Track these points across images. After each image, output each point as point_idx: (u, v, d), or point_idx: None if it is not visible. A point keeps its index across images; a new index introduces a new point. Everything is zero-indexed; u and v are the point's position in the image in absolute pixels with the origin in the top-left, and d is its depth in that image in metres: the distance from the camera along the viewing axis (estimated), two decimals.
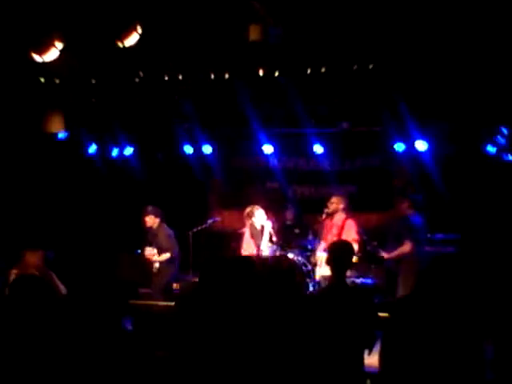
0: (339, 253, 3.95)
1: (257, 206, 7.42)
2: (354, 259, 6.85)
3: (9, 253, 5.75)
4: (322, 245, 6.99)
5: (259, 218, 7.35)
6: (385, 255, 6.78)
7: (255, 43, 5.53)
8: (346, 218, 6.87)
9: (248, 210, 7.41)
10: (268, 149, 8.42)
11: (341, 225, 6.82)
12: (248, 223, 7.43)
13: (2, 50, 5.62)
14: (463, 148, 7.67)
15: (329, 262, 3.99)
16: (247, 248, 7.37)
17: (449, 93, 6.79)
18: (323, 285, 6.70)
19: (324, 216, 7.02)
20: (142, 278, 8.15)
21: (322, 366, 3.64)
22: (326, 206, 7.00)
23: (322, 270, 6.78)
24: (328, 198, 7.16)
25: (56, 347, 3.03)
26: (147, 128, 8.37)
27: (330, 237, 6.73)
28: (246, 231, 7.50)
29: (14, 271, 5.29)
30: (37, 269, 5.44)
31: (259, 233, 7.39)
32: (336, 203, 6.96)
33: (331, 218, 6.97)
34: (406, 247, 6.50)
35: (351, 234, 6.69)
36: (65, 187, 8.36)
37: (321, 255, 6.87)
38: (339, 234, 6.69)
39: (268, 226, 7.41)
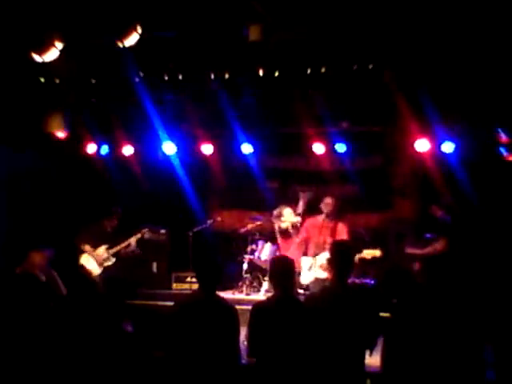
0: (342, 253, 3.94)
1: (284, 206, 7.38)
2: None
3: (13, 253, 5.76)
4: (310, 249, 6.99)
5: (288, 217, 7.27)
6: (418, 251, 6.62)
7: (255, 43, 5.53)
8: (338, 221, 6.90)
9: (276, 211, 7.44)
10: (268, 148, 8.44)
11: (333, 226, 6.83)
12: (277, 226, 7.38)
13: (2, 50, 5.62)
14: (464, 148, 7.65)
15: (331, 262, 3.98)
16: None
17: (449, 93, 6.78)
18: (314, 288, 6.68)
19: (323, 217, 6.99)
20: (141, 278, 8.17)
21: (324, 365, 3.64)
22: (324, 208, 6.99)
23: (316, 273, 6.76)
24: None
25: (54, 346, 3.02)
26: (147, 128, 8.35)
27: (322, 238, 6.74)
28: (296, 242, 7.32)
29: (19, 271, 5.30)
30: (40, 269, 5.45)
31: (290, 233, 7.34)
32: (333, 204, 6.97)
33: (327, 219, 6.97)
34: (441, 244, 6.44)
35: (343, 236, 6.73)
36: (65, 187, 8.35)
37: (308, 259, 6.87)
38: (332, 236, 6.67)
39: (298, 223, 7.37)
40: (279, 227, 7.50)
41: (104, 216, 7.53)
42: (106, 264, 7.30)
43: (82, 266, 7.22)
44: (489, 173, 7.54)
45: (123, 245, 7.42)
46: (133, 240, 7.47)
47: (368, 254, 6.51)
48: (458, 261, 6.06)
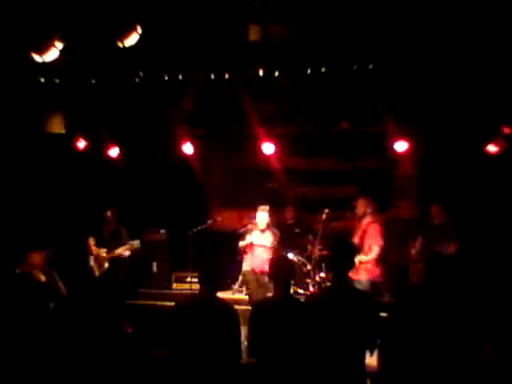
0: (341, 253, 3.94)
1: (262, 206, 7.23)
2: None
3: (12, 252, 5.75)
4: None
5: (260, 218, 7.17)
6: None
7: (255, 43, 5.53)
8: (371, 222, 6.75)
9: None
10: (268, 149, 8.41)
11: (364, 228, 6.73)
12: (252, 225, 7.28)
13: (2, 50, 5.62)
14: (463, 148, 7.65)
15: (330, 262, 3.98)
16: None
17: (449, 92, 6.79)
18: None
19: (357, 218, 6.91)
20: (141, 278, 8.16)
21: (324, 365, 3.64)
22: (355, 208, 6.92)
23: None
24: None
25: (54, 346, 3.02)
26: (147, 128, 8.36)
27: (356, 239, 6.68)
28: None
29: (18, 271, 5.28)
30: (40, 268, 5.44)
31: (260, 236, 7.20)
32: (364, 206, 6.88)
33: (359, 221, 6.89)
34: (453, 247, 6.48)
35: (375, 238, 6.62)
36: (65, 187, 8.35)
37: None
38: (362, 238, 6.64)
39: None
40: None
41: (101, 221, 7.53)
42: (102, 269, 7.22)
43: (91, 267, 7.22)
44: (489, 172, 7.55)
45: (117, 252, 7.29)
46: (122, 250, 7.31)
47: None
48: (464, 262, 6.09)
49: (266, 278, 6.84)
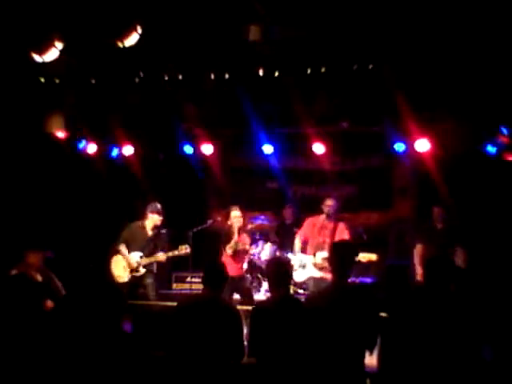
0: (343, 253, 3.94)
1: (234, 206, 6.96)
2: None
3: (9, 253, 5.74)
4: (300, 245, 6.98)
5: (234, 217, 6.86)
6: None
7: (255, 43, 5.53)
8: (338, 221, 6.83)
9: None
10: (268, 149, 8.42)
11: (333, 227, 6.76)
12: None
13: (2, 50, 5.63)
14: (463, 148, 7.65)
15: (331, 262, 3.98)
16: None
17: (449, 92, 6.79)
18: (312, 286, 6.70)
19: (324, 217, 6.93)
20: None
21: (324, 365, 3.64)
22: (326, 209, 6.93)
23: (310, 272, 6.75)
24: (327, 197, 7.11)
25: (53, 348, 3.03)
26: (147, 128, 8.36)
27: (321, 238, 6.72)
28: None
29: (14, 272, 5.27)
30: (37, 269, 5.44)
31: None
32: (335, 205, 6.88)
33: (329, 220, 6.90)
34: (462, 257, 6.22)
35: (344, 236, 6.64)
36: (64, 187, 8.35)
37: (304, 257, 6.83)
38: (332, 236, 6.64)
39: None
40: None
41: (144, 214, 6.89)
42: (135, 274, 6.65)
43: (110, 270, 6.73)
44: (489, 173, 7.55)
45: (159, 259, 6.72)
46: (170, 254, 6.77)
47: (364, 257, 6.38)
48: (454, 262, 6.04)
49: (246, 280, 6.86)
